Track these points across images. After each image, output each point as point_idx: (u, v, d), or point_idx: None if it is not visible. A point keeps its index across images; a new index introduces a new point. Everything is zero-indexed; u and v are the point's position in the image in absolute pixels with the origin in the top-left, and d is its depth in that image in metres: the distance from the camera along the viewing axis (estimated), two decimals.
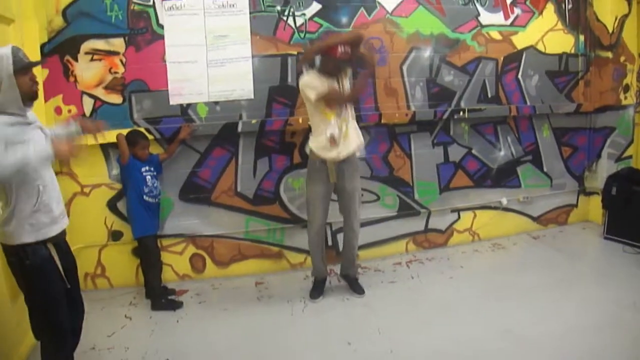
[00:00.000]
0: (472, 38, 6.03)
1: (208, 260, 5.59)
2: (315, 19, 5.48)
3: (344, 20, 5.55)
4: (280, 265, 5.78)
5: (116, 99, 5.12)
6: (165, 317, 4.72)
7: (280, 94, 5.44)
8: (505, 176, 6.49)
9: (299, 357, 3.99)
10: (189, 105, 5.27)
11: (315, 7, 5.46)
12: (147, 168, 4.88)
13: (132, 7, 5.05)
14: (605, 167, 6.64)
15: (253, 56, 5.34)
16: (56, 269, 3.03)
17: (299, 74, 5.17)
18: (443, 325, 4.35)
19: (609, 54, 6.45)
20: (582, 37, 6.59)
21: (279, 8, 5.37)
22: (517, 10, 6.19)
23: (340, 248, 5.68)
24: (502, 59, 6.21)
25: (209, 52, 5.24)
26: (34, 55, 4.52)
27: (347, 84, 4.72)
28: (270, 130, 5.42)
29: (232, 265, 5.66)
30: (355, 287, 5.15)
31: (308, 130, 5.11)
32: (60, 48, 4.94)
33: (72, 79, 5.00)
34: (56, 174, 4.58)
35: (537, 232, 6.67)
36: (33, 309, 3.11)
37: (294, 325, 4.52)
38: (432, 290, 5.10)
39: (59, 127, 3.41)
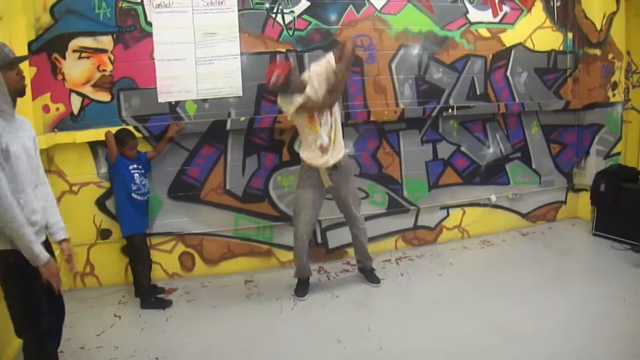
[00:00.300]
0: (460, 35, 6.05)
1: (197, 259, 5.58)
2: (304, 16, 5.47)
3: (333, 17, 5.56)
4: (270, 263, 5.78)
5: (104, 96, 5.09)
6: (154, 316, 4.71)
7: (269, 92, 5.41)
8: (494, 173, 6.51)
9: (289, 355, 3.98)
10: (177, 103, 5.25)
11: (304, 4, 5.45)
12: (135, 166, 4.87)
13: (120, 5, 5.03)
14: (593, 164, 6.69)
15: (242, 54, 5.34)
16: (34, 271, 2.98)
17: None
18: (433, 322, 4.35)
19: (597, 52, 6.48)
20: (570, 35, 6.62)
21: (267, 5, 5.37)
22: (505, 8, 6.21)
23: (330, 245, 5.73)
24: (490, 56, 6.23)
25: (197, 50, 5.22)
26: (22, 52, 4.47)
27: (317, 89, 4.66)
28: (259, 128, 5.41)
29: (222, 263, 5.65)
30: (371, 278, 5.24)
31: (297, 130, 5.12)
32: (48, 46, 4.91)
33: (60, 76, 4.98)
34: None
35: (526, 229, 6.70)
36: (12, 309, 3.07)
37: (283, 323, 4.52)
38: (422, 288, 5.11)
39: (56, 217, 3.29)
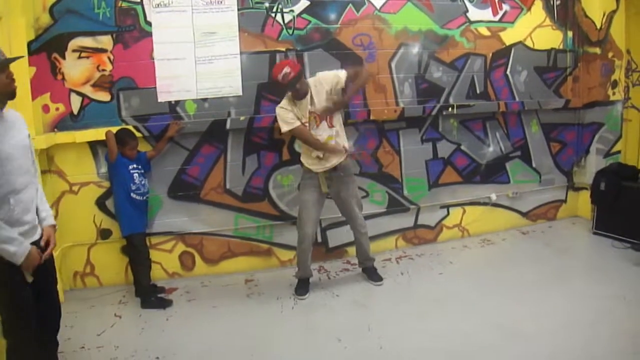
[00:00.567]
0: (460, 34, 6.04)
1: (197, 258, 5.58)
2: (304, 15, 5.46)
3: (332, 16, 5.55)
4: (270, 263, 5.78)
5: (104, 96, 5.09)
6: (155, 315, 4.71)
7: (268, 91, 5.41)
8: (494, 172, 6.51)
9: (289, 354, 3.98)
10: (177, 102, 5.25)
11: (304, 3, 5.45)
12: (134, 166, 4.87)
13: (119, 5, 5.02)
14: (594, 163, 6.68)
15: (241, 53, 5.33)
16: (22, 274, 2.95)
17: None
18: (433, 321, 4.35)
19: (597, 50, 6.48)
20: (570, 33, 6.62)
21: (267, 5, 5.36)
22: (505, 7, 6.21)
23: (330, 245, 5.74)
24: (490, 55, 6.23)
25: (197, 49, 5.22)
26: (21, 52, 4.48)
27: (321, 102, 4.72)
28: (259, 127, 5.41)
29: (222, 262, 5.65)
30: (373, 277, 5.26)
31: None
32: (48, 46, 4.90)
33: (59, 76, 4.97)
34: (44, 172, 4.62)
35: (527, 228, 6.71)
36: (1, 311, 3.05)
37: (283, 322, 4.52)
38: (422, 286, 5.11)
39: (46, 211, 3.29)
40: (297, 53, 5.46)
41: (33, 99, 4.73)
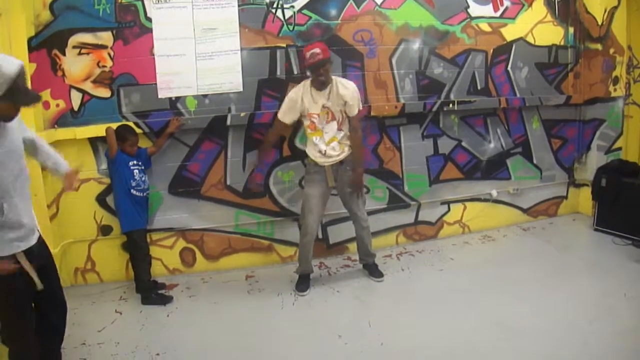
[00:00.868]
0: (461, 30, 6.03)
1: (198, 254, 5.59)
2: (304, 11, 5.45)
3: (333, 12, 5.53)
4: (271, 259, 5.78)
5: (104, 92, 5.08)
6: (155, 312, 4.71)
7: (269, 87, 5.42)
8: (495, 168, 6.51)
9: (290, 351, 3.98)
10: (177, 98, 5.24)
11: None
12: (134, 162, 4.87)
13: (119, 1, 5.00)
14: (595, 159, 6.68)
15: (242, 49, 5.32)
16: (22, 277, 2.95)
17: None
18: (434, 318, 4.35)
19: (599, 46, 6.47)
20: (571, 29, 6.61)
21: (267, 0, 5.35)
22: (506, 2, 6.19)
23: (331, 241, 5.74)
24: (491, 51, 6.21)
25: (197, 45, 5.21)
26: (21, 49, 4.48)
27: (333, 99, 4.74)
28: (260, 123, 5.39)
29: (222, 258, 5.65)
30: (374, 273, 5.27)
31: (299, 124, 5.15)
32: (48, 42, 4.89)
33: (60, 73, 4.96)
34: (43, 169, 4.60)
35: (527, 224, 6.71)
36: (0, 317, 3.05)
37: (284, 319, 4.52)
38: (423, 283, 5.11)
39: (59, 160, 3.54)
40: (298, 49, 5.44)
41: None
